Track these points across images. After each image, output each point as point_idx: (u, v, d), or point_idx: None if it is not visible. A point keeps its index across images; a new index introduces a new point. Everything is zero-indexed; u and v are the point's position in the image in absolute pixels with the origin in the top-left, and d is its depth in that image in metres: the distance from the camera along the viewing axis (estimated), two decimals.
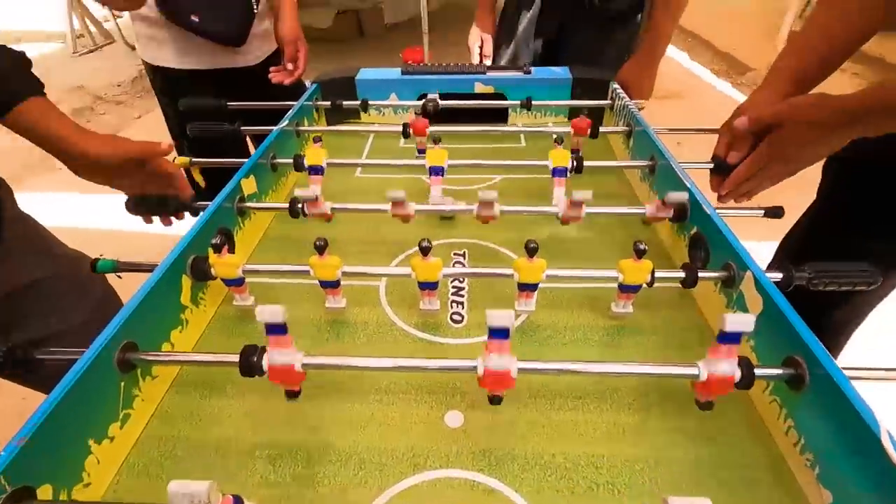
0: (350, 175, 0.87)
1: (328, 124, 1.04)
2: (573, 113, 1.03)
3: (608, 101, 0.96)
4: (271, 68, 1.13)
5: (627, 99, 0.88)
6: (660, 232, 0.70)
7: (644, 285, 0.52)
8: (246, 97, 0.94)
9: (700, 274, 0.52)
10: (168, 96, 1.12)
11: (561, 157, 0.70)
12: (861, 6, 0.59)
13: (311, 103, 0.97)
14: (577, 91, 1.01)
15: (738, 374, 0.39)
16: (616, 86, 0.95)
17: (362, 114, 1.03)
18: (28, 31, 5.02)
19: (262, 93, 1.12)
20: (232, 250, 0.62)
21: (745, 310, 0.49)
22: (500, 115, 1.04)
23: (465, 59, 1.28)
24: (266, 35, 1.16)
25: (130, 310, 0.44)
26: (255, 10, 1.07)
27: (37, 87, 0.61)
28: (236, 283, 0.55)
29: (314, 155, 0.72)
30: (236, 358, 0.42)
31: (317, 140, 0.73)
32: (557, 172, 0.71)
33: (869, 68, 4.01)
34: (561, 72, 1.02)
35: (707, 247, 0.56)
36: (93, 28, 4.69)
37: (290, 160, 0.75)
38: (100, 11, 5.44)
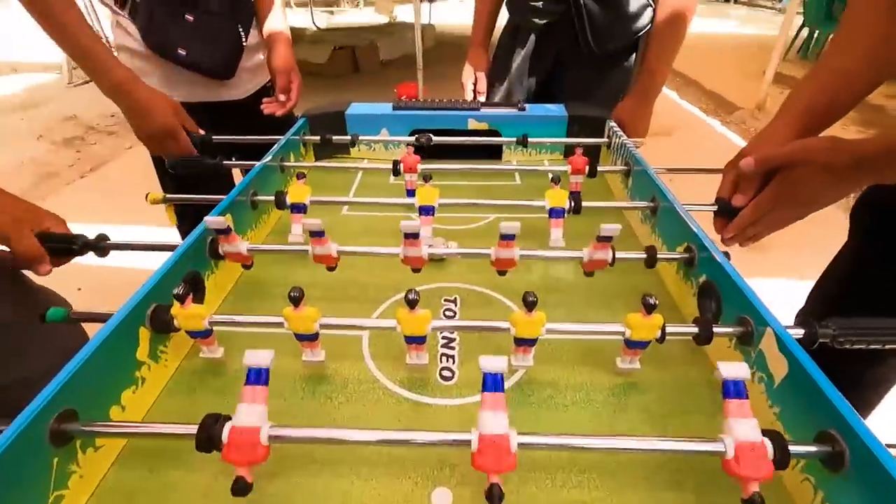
0: (336, 213, 0.83)
1: (316, 160, 1.01)
2: (569, 151, 1.00)
3: (605, 140, 0.94)
4: (263, 100, 1.10)
5: (625, 137, 0.86)
6: (664, 277, 0.66)
7: (654, 341, 0.47)
8: (236, 131, 0.91)
9: (714, 329, 0.47)
10: None
11: (558, 198, 0.66)
12: (875, 50, 0.57)
13: (298, 137, 0.94)
14: (574, 128, 0.98)
15: (770, 449, 0.34)
16: (613, 124, 0.92)
17: (352, 149, 1.00)
18: (24, 62, 5.06)
19: (253, 127, 1.09)
20: (201, 298, 0.57)
21: (767, 372, 0.44)
22: (495, 152, 1.01)
23: (460, 95, 1.27)
24: (257, 69, 1.13)
25: (71, 371, 0.38)
26: (244, 43, 1.05)
27: None
28: (202, 335, 0.49)
29: (297, 192, 0.68)
30: (193, 430, 0.37)
31: (300, 176, 0.69)
32: (555, 213, 0.67)
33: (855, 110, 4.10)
34: (556, 109, 1.00)
35: (718, 297, 0.52)
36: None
37: (272, 197, 0.70)
38: None
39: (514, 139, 0.92)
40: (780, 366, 0.42)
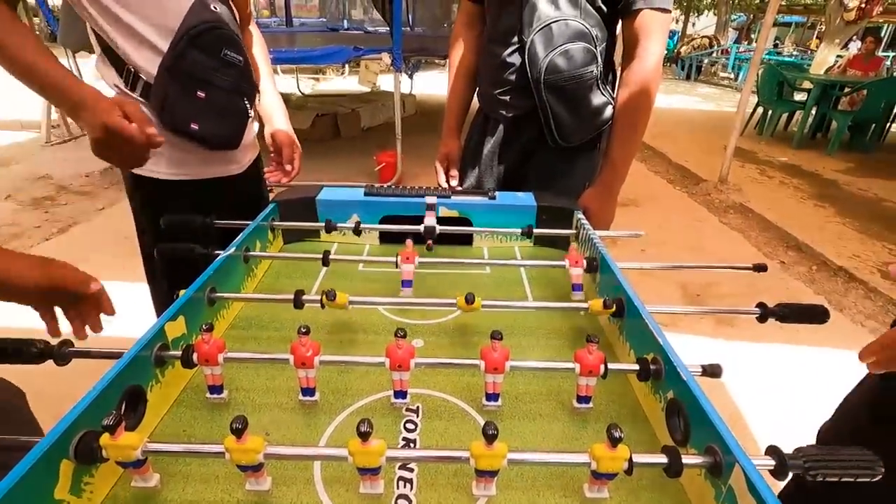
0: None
1: (284, 243, 0.99)
2: (538, 239, 1.02)
3: (573, 231, 0.95)
4: (266, 169, 1.18)
5: (592, 230, 0.87)
6: (634, 385, 0.64)
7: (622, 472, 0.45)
8: (243, 201, 0.99)
9: (683, 460, 0.45)
10: (154, 208, 1.04)
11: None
12: None
13: (266, 223, 0.92)
14: (542, 217, 1.00)
15: None
16: (580, 216, 0.94)
17: (322, 234, 0.99)
18: (2, 120, 5.04)
19: (257, 196, 1.19)
20: (142, 415, 0.53)
21: None
22: (465, 239, 1.01)
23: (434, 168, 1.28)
24: (251, 141, 1.15)
25: None
26: (250, 116, 1.07)
27: None
28: (134, 465, 0.45)
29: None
30: None
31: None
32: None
33: (805, 181, 4.37)
34: (526, 198, 1.02)
35: (686, 420, 0.50)
36: (70, 118, 4.74)
37: (232, 295, 0.68)
38: None
39: (485, 229, 0.93)
40: None
